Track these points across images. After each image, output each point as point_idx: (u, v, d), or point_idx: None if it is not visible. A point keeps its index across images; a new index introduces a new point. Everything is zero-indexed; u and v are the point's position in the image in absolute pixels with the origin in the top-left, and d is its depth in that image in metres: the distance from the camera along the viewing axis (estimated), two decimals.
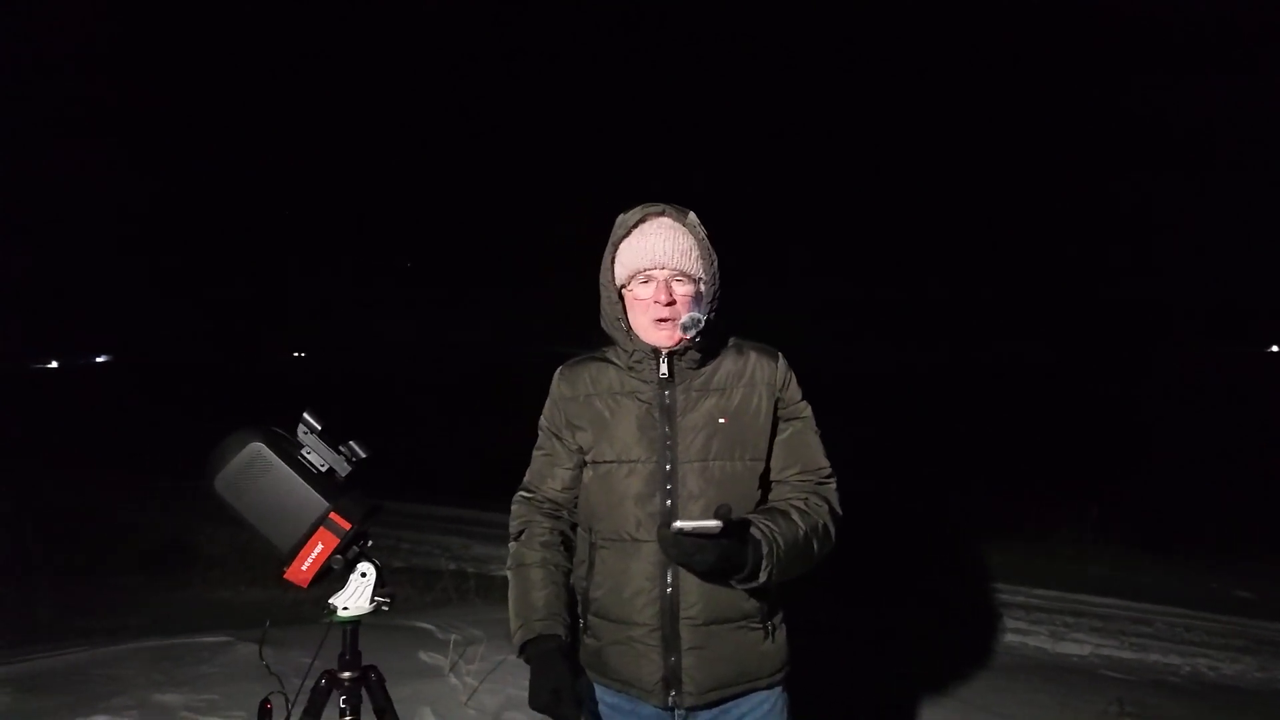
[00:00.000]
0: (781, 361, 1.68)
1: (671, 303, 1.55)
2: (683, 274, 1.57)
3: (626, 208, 1.64)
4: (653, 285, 1.56)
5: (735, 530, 1.43)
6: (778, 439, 1.66)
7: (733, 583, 1.50)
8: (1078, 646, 4.59)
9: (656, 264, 1.56)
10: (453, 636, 3.77)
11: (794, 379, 1.68)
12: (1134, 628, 4.93)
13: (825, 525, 1.61)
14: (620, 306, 1.63)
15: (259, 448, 1.50)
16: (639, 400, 1.61)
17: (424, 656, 3.65)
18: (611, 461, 1.61)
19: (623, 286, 1.62)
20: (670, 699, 1.57)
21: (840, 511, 1.67)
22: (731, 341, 1.69)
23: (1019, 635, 4.74)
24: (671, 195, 1.65)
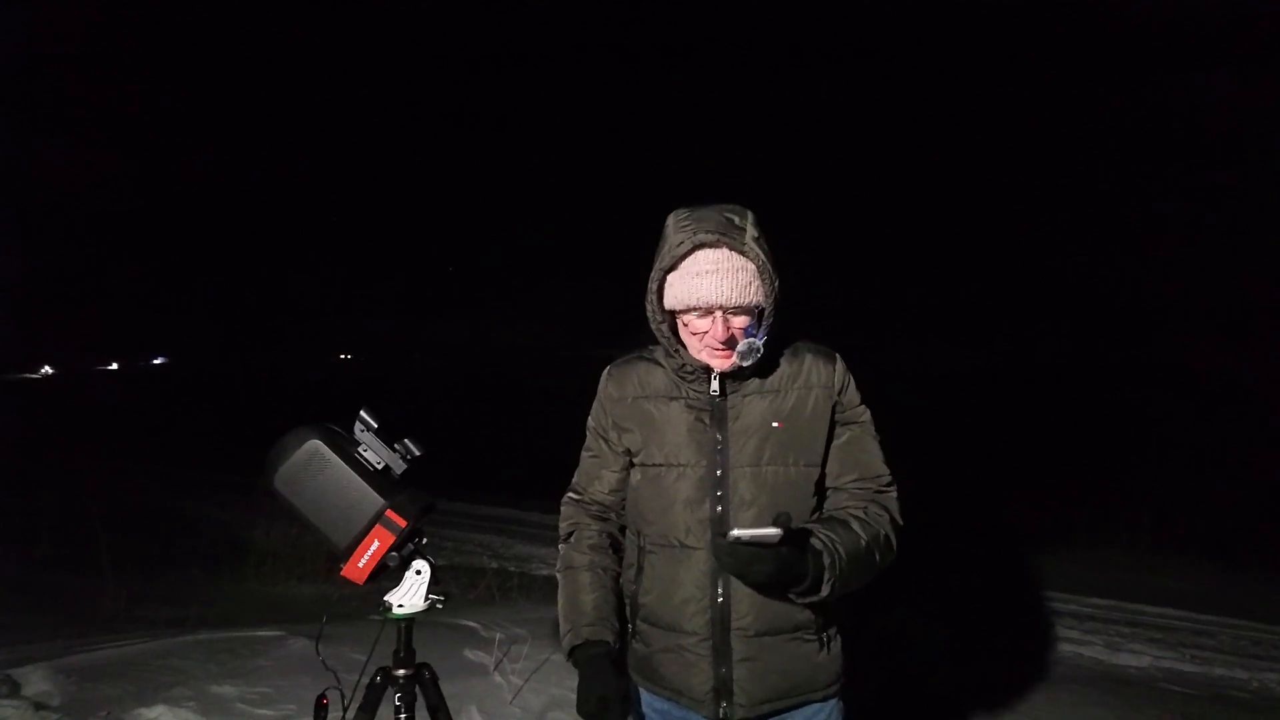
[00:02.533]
0: (839, 363, 1.59)
1: (729, 338, 1.46)
2: (740, 308, 1.46)
3: (670, 206, 1.53)
4: (708, 319, 1.46)
5: (795, 540, 1.36)
6: (835, 444, 1.58)
7: (792, 595, 1.43)
8: (1135, 658, 4.43)
9: (714, 305, 1.44)
10: (497, 635, 3.80)
11: (853, 382, 1.59)
12: (1195, 639, 4.74)
13: (886, 535, 1.54)
14: (669, 327, 1.54)
15: (317, 445, 1.51)
16: (689, 403, 1.56)
17: (469, 654, 3.68)
18: (660, 465, 1.56)
19: (674, 311, 1.52)
20: (721, 710, 1.53)
21: (901, 521, 1.58)
22: (785, 341, 1.61)
23: (1073, 645, 4.59)
24: (675, 193, 1.55)
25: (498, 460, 12.05)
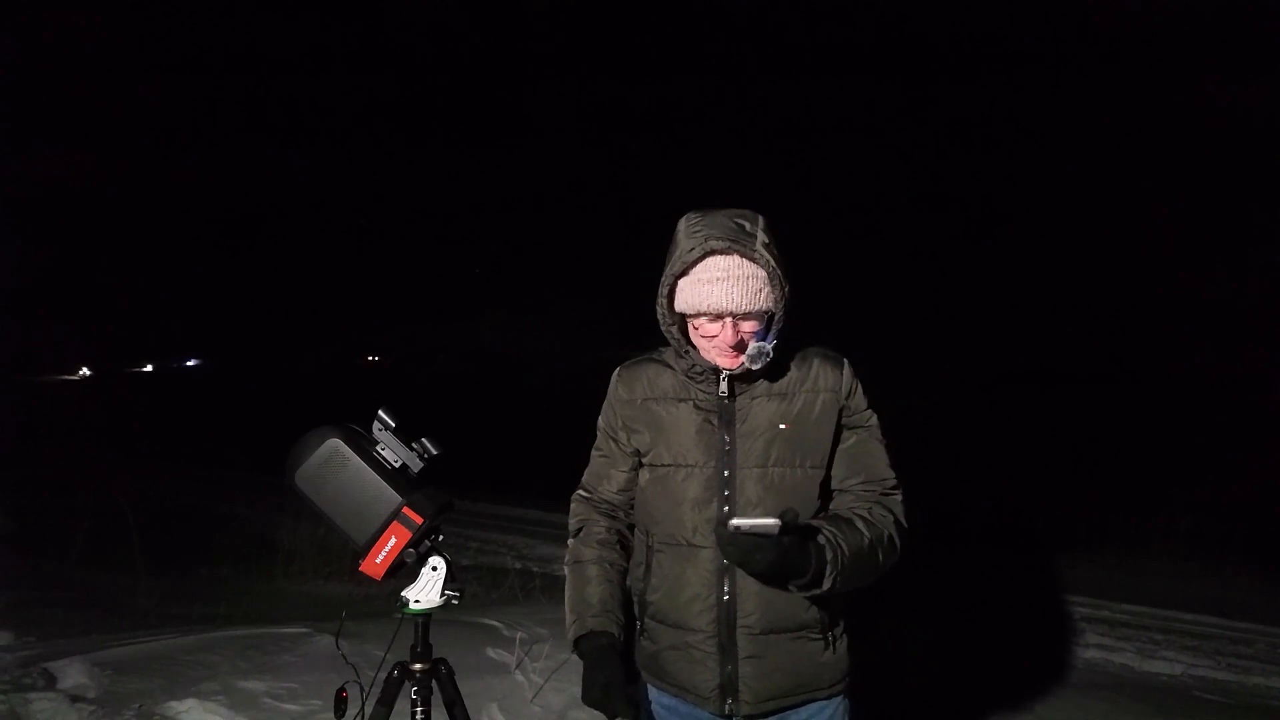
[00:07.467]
0: (847, 368, 1.61)
1: (739, 341, 1.48)
2: (750, 314, 1.47)
3: (683, 208, 1.52)
4: (718, 324, 1.48)
5: (796, 533, 1.38)
6: (841, 448, 1.60)
7: (793, 588, 1.45)
8: (1168, 665, 4.34)
9: (724, 312, 1.45)
10: (519, 634, 3.82)
11: (860, 386, 1.61)
12: (1232, 648, 4.64)
13: (890, 536, 1.55)
14: (679, 330, 1.56)
15: (336, 444, 1.55)
16: (697, 404, 1.58)
17: (491, 653, 3.71)
18: (669, 465, 1.59)
19: (684, 314, 1.53)
20: (727, 707, 1.55)
21: (906, 524, 1.59)
22: (794, 345, 1.62)
23: (1103, 651, 4.52)
24: (685, 194, 1.46)
25: (521, 461, 12.11)
